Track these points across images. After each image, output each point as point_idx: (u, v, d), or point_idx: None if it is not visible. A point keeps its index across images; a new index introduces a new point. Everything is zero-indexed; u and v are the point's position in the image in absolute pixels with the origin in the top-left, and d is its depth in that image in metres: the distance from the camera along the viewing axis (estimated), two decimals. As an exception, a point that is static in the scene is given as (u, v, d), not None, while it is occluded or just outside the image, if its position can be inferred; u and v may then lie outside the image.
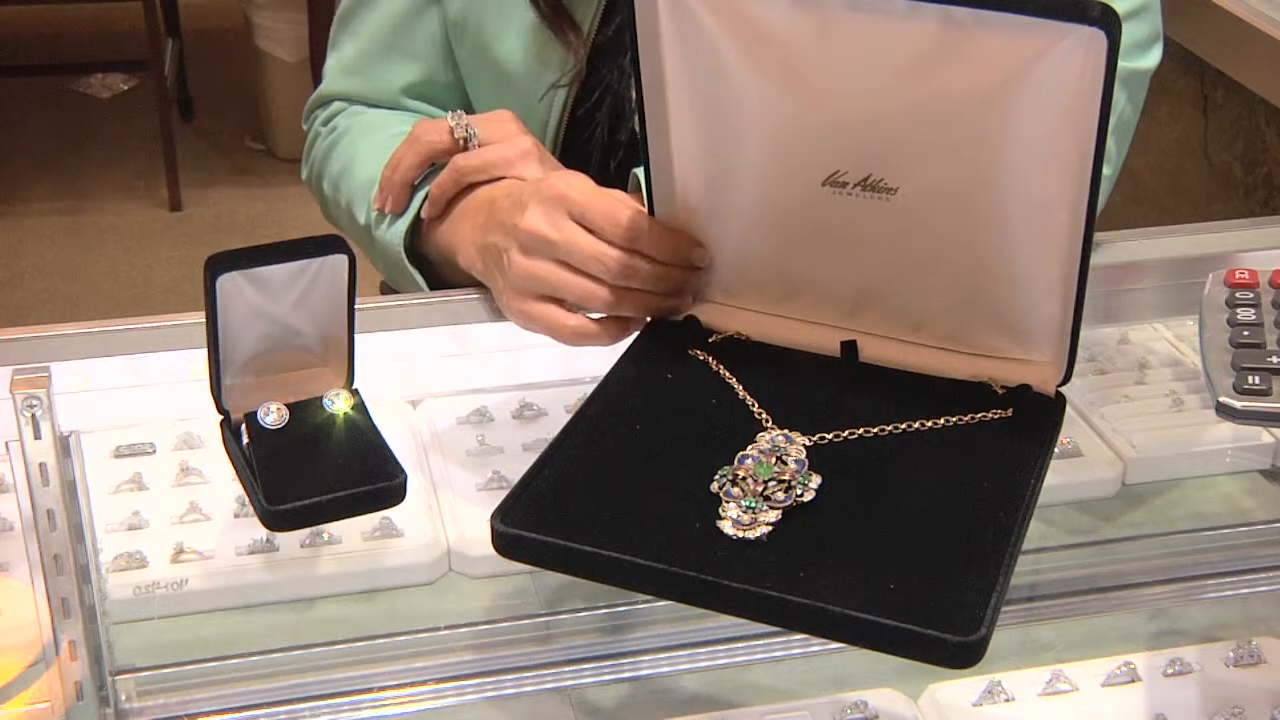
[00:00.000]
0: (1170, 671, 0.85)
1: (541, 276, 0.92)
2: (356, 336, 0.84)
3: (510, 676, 0.86)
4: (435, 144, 1.06)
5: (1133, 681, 0.85)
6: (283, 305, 0.81)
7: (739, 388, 0.85)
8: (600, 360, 0.89)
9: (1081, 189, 0.75)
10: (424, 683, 0.86)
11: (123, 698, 0.83)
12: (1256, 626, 0.91)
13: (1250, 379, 0.78)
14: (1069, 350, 0.82)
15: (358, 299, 0.83)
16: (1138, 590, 0.94)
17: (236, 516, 0.92)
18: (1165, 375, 1.08)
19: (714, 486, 0.76)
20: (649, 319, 0.92)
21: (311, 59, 3.25)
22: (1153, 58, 1.12)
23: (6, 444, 0.79)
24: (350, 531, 0.92)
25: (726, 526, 0.74)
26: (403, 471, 0.81)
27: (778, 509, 0.75)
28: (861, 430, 0.81)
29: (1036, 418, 0.82)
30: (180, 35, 3.70)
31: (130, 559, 0.89)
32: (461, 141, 1.05)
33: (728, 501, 0.75)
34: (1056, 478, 0.81)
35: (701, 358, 0.88)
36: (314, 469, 0.80)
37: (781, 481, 0.76)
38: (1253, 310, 0.84)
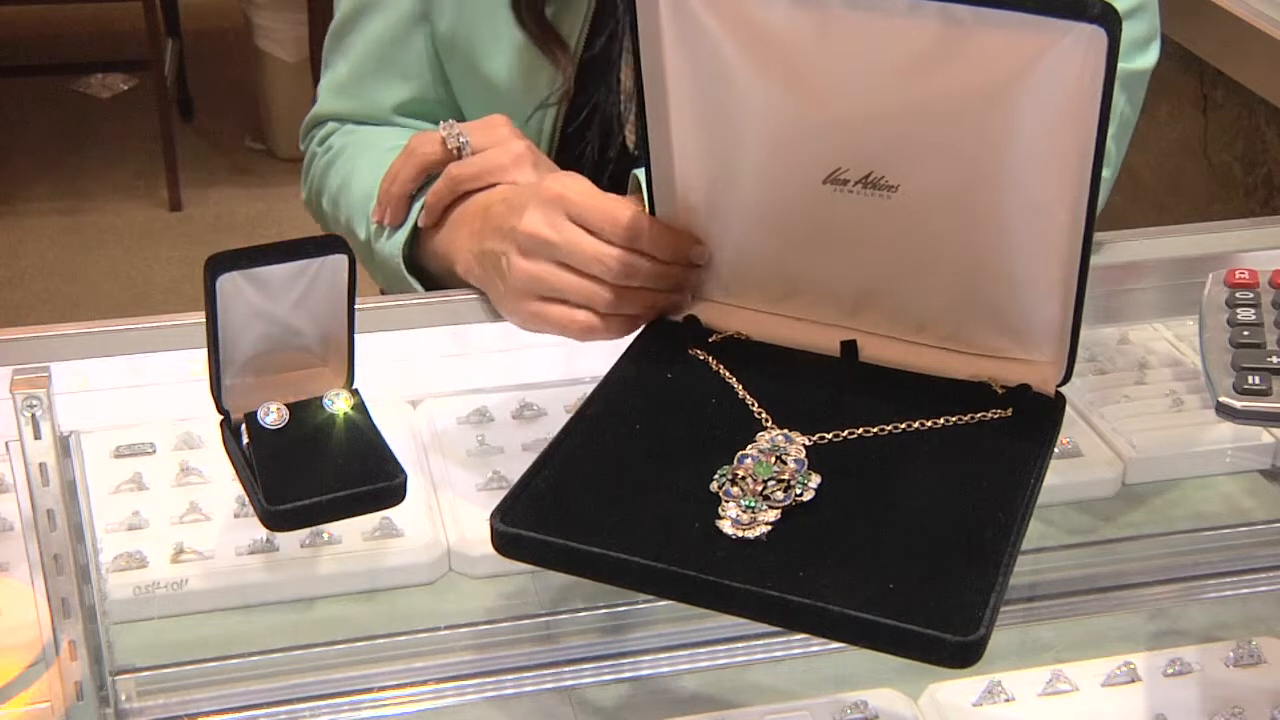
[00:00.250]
0: (1170, 671, 0.85)
1: (542, 278, 0.92)
2: (356, 336, 0.84)
3: (510, 676, 0.86)
4: (430, 155, 1.06)
5: (1133, 681, 0.85)
6: (283, 305, 0.81)
7: (739, 387, 0.85)
8: (600, 360, 0.89)
9: (1081, 188, 0.75)
10: (424, 683, 0.86)
11: (123, 698, 0.83)
12: (1256, 626, 0.91)
13: (1250, 379, 0.78)
14: (1069, 350, 0.82)
15: (358, 299, 0.83)
16: (1138, 590, 0.94)
17: (236, 516, 0.93)
18: (1165, 375, 1.08)
19: (714, 486, 0.76)
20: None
21: (311, 59, 3.25)
22: (1150, 57, 1.12)
23: (6, 444, 0.79)
24: (350, 531, 0.92)
25: (726, 526, 0.74)
26: (403, 471, 0.81)
27: (777, 508, 0.75)
28: (861, 430, 0.81)
29: (1036, 418, 0.82)
30: (180, 35, 3.70)
31: (130, 559, 0.89)
32: (455, 151, 1.05)
33: (727, 501, 0.75)
34: (1056, 478, 0.81)
35: (701, 357, 0.88)
36: (314, 469, 0.80)
37: (781, 481, 0.76)
38: (1253, 310, 0.84)
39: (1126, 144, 1.14)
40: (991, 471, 0.78)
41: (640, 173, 1.05)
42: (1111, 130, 0.75)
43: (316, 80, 1.26)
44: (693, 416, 0.83)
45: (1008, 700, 0.83)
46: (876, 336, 0.87)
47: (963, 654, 0.68)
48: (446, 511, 0.94)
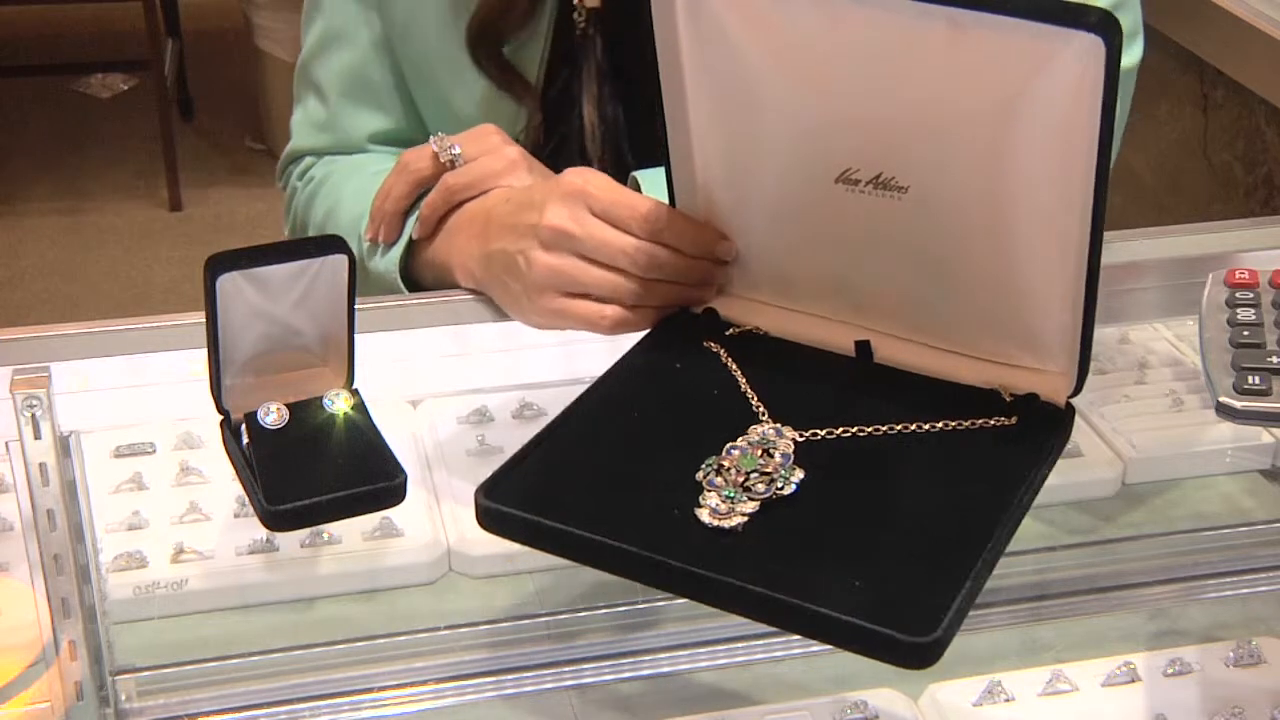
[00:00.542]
0: (1170, 671, 0.85)
1: (566, 272, 0.91)
2: (356, 336, 0.84)
3: (510, 676, 0.86)
4: (423, 170, 1.06)
5: (1133, 681, 0.85)
6: (283, 305, 0.81)
7: (743, 381, 0.85)
8: (600, 360, 0.89)
9: (1086, 197, 0.75)
10: (424, 683, 0.86)
11: (123, 698, 0.83)
12: (1256, 626, 0.91)
13: (1250, 379, 0.78)
14: (1080, 361, 0.81)
15: (358, 299, 0.83)
16: (1138, 590, 0.94)
17: (236, 516, 0.93)
18: (1165, 375, 1.08)
19: (699, 475, 0.77)
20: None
21: (312, 59, 3.25)
22: (1135, 53, 1.12)
23: (6, 444, 0.78)
24: (350, 531, 0.92)
25: (704, 515, 0.74)
26: (403, 471, 0.81)
27: (756, 500, 0.75)
28: (856, 429, 0.81)
29: (1041, 428, 0.81)
30: (180, 35, 3.70)
31: (130, 559, 0.89)
32: (448, 163, 1.05)
33: (709, 490, 0.76)
34: (1056, 478, 0.80)
35: (713, 350, 0.88)
36: (314, 469, 0.80)
37: (765, 474, 0.76)
38: (1253, 310, 0.84)
39: (1119, 142, 1.14)
40: (981, 478, 0.78)
41: (639, 175, 1.05)
42: None
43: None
44: (691, 407, 0.84)
45: (1008, 700, 0.83)
46: (890, 338, 0.87)
47: (919, 655, 0.68)
48: (446, 511, 0.94)
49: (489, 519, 0.77)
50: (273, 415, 0.82)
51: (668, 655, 0.88)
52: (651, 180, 1.04)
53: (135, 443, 0.98)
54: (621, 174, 1.02)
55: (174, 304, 2.98)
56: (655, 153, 0.94)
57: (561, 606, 0.89)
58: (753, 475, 0.76)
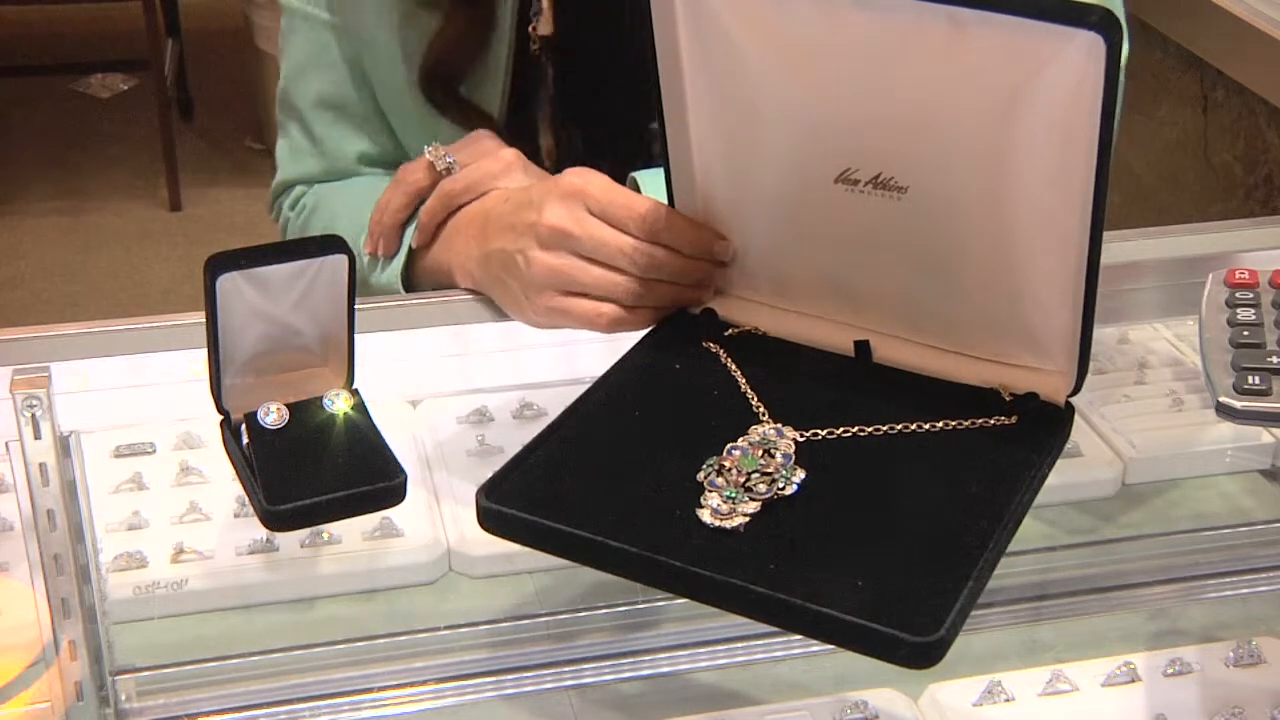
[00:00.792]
0: (1170, 671, 0.85)
1: (564, 271, 0.91)
2: (356, 336, 0.84)
3: (510, 676, 0.86)
4: (419, 182, 1.05)
5: (1133, 681, 0.85)
6: (283, 305, 0.81)
7: (743, 381, 0.85)
8: (600, 360, 0.89)
9: (1086, 197, 0.75)
10: (424, 683, 0.86)
11: (123, 698, 0.83)
12: (1256, 626, 0.91)
13: (1250, 379, 0.78)
14: (1080, 361, 0.81)
15: (358, 299, 0.83)
16: (1138, 590, 0.94)
17: (236, 516, 0.93)
18: (1165, 375, 1.08)
19: (700, 476, 0.77)
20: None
21: (312, 59, 3.25)
22: (1124, 48, 1.12)
23: (6, 444, 0.78)
24: (350, 531, 0.92)
25: (705, 515, 0.74)
26: (403, 471, 0.81)
27: (758, 501, 0.75)
28: (856, 429, 0.81)
29: (1041, 427, 0.81)
30: (180, 35, 3.70)
31: (130, 559, 0.89)
32: (444, 172, 1.05)
33: (710, 491, 0.76)
34: (1056, 478, 0.80)
35: (713, 350, 0.88)
36: (314, 469, 0.80)
37: (766, 474, 0.76)
38: (1253, 310, 0.84)
39: (1115, 139, 1.14)
40: (982, 477, 0.78)
41: (639, 175, 1.05)
42: None
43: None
44: (692, 407, 0.84)
45: (1008, 700, 0.83)
46: (890, 338, 0.87)
47: (922, 654, 0.68)
48: (446, 511, 0.94)
49: (490, 519, 0.77)
50: (273, 415, 0.82)
51: (668, 655, 0.88)
52: (650, 180, 1.04)
53: (135, 443, 0.98)
54: None
55: (174, 304, 2.98)
56: (620, 177, 0.95)
57: (561, 606, 0.89)
58: (754, 475, 0.76)
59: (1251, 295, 0.85)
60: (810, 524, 0.74)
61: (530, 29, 1.14)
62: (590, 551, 0.74)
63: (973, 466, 0.79)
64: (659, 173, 0.92)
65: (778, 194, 0.86)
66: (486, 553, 0.91)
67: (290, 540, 0.91)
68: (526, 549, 0.77)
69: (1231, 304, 0.84)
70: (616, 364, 0.88)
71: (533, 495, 0.77)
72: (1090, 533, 0.97)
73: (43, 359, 0.83)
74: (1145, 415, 1.04)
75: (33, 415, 0.75)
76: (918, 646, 0.67)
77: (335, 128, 1.19)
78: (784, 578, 0.71)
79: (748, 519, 0.74)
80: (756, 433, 0.80)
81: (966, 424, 0.82)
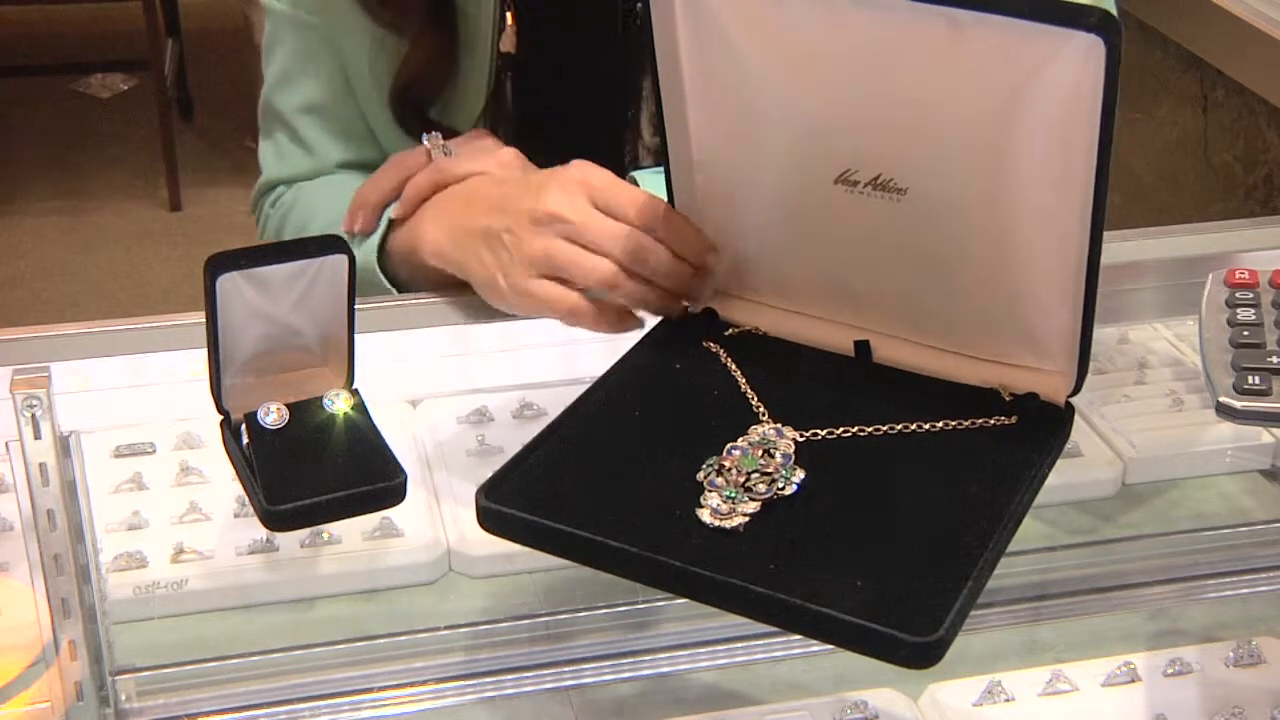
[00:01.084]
0: (1170, 671, 0.85)
1: (553, 253, 0.92)
2: (356, 336, 0.84)
3: (510, 676, 0.86)
4: (415, 167, 1.05)
5: (1133, 681, 0.85)
6: (283, 305, 0.81)
7: (743, 381, 0.85)
8: (600, 360, 0.89)
9: (1086, 198, 0.75)
10: (424, 683, 0.86)
11: (123, 698, 0.83)
12: (1256, 626, 0.91)
13: (1250, 379, 0.78)
14: (1080, 361, 0.81)
15: (358, 299, 0.83)
16: (1138, 590, 0.94)
17: (236, 516, 0.93)
18: (1165, 375, 1.08)
19: (699, 475, 0.77)
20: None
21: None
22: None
23: (6, 444, 0.78)
24: (350, 531, 0.92)
25: (705, 515, 0.74)
26: (403, 471, 0.81)
27: (758, 501, 0.75)
28: (856, 429, 0.81)
29: (1041, 427, 0.81)
30: (180, 35, 3.70)
31: (130, 559, 0.89)
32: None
33: (710, 491, 0.76)
34: (1056, 478, 0.81)
35: (713, 350, 0.88)
36: (314, 469, 0.80)
37: (765, 474, 0.76)
38: (1253, 310, 0.84)
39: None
40: (982, 477, 0.78)
41: (638, 174, 1.05)
42: None
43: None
44: (692, 407, 0.84)
45: (1008, 700, 0.83)
46: (890, 338, 0.87)
47: (922, 654, 0.68)
48: (446, 511, 0.94)
49: (490, 519, 0.77)
50: (273, 415, 0.82)
51: (668, 655, 0.88)
52: (650, 181, 1.04)
53: (135, 443, 0.98)
54: None
55: (174, 304, 2.98)
56: None
57: (561, 606, 0.89)
58: (754, 475, 0.76)
59: (1251, 295, 0.85)
60: (810, 524, 0.74)
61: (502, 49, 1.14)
62: (590, 551, 0.74)
63: (973, 466, 0.79)
64: (658, 172, 0.92)
65: (777, 195, 0.86)
66: (486, 553, 0.91)
67: (290, 540, 0.91)
68: (526, 549, 0.77)
69: (1231, 304, 0.84)
70: (616, 364, 0.88)
71: (533, 495, 0.77)
72: (1090, 533, 0.97)
73: (43, 359, 0.83)
74: (1145, 415, 1.04)
75: (33, 415, 0.75)
76: (917, 646, 0.67)
77: (320, 132, 1.19)
78: (784, 578, 0.71)
79: (747, 519, 0.74)
80: (756, 433, 0.80)
81: (966, 424, 0.82)
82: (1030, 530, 0.76)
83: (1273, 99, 1.56)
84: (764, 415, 0.82)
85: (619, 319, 0.92)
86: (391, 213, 1.06)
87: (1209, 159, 1.72)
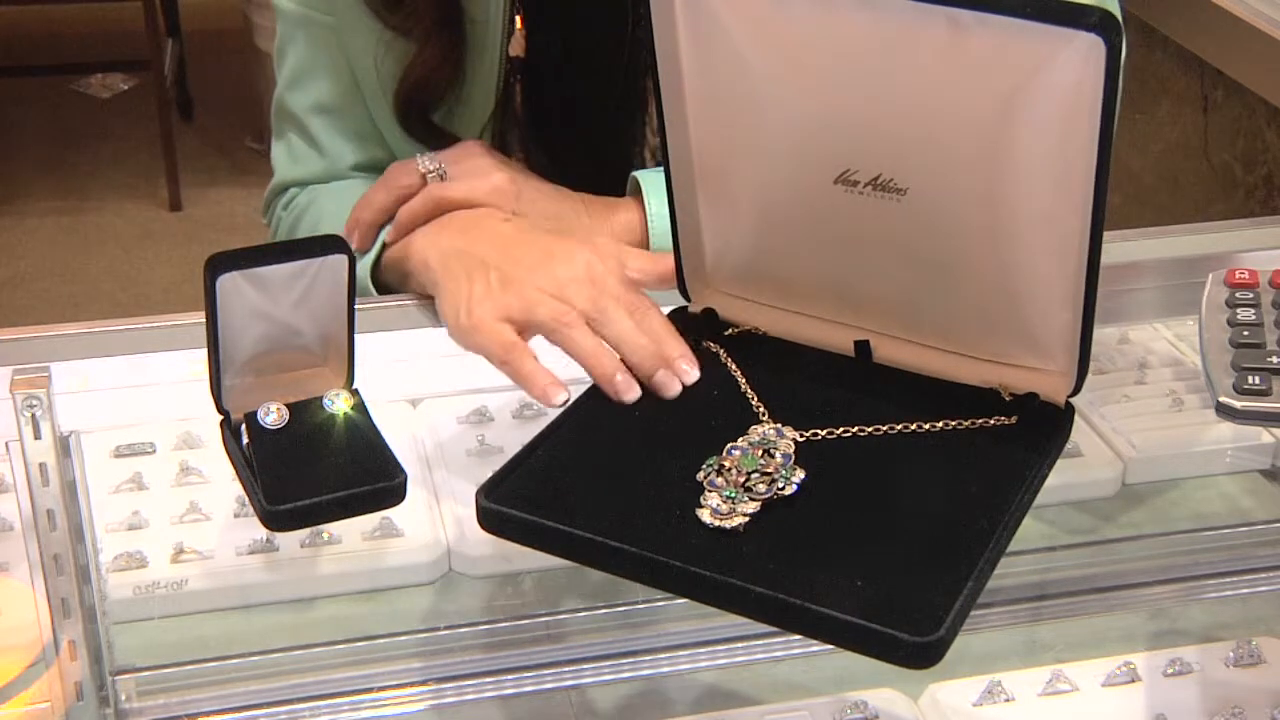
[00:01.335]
0: (1170, 671, 0.85)
1: (523, 301, 0.90)
2: (356, 336, 0.84)
3: (510, 676, 0.86)
4: (409, 188, 1.05)
5: (1133, 681, 0.85)
6: (283, 305, 0.81)
7: (743, 381, 0.85)
8: (600, 360, 0.89)
9: (1087, 198, 0.75)
10: (424, 683, 0.86)
11: (123, 698, 0.83)
12: (1256, 626, 0.91)
13: (1250, 379, 0.78)
14: (1080, 361, 0.81)
15: (358, 299, 0.83)
16: (1138, 590, 0.94)
17: (236, 516, 0.93)
18: (1165, 375, 1.08)
19: (699, 476, 0.77)
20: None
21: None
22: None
23: (6, 444, 0.79)
24: (350, 531, 0.92)
25: (705, 515, 0.74)
26: (403, 471, 0.81)
27: (757, 501, 0.75)
28: (856, 429, 0.81)
29: (1041, 427, 0.81)
30: (180, 35, 3.70)
31: (130, 559, 0.89)
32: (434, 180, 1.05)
33: (710, 491, 0.76)
34: (1056, 478, 0.81)
35: (713, 350, 0.88)
36: (314, 469, 0.80)
37: (765, 474, 0.76)
38: (1253, 310, 0.84)
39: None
40: (982, 477, 0.78)
41: (640, 174, 1.05)
42: None
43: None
44: (692, 407, 0.84)
45: (1008, 700, 0.83)
46: (889, 338, 0.87)
47: (922, 655, 0.68)
48: (446, 511, 0.94)
49: (490, 520, 0.77)
50: (273, 415, 0.82)
51: (667, 655, 0.88)
52: (651, 181, 1.04)
53: (135, 443, 0.98)
54: None
55: (174, 304, 2.98)
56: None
57: (561, 606, 0.89)
58: (754, 475, 0.76)
59: (1251, 295, 0.85)
60: (810, 524, 0.75)
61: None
62: (590, 551, 0.74)
63: (973, 466, 0.79)
64: (658, 172, 0.92)
65: (777, 195, 0.86)
66: (486, 553, 0.91)
67: (290, 540, 0.91)
68: (526, 549, 0.77)
69: (1231, 304, 0.84)
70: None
71: (533, 495, 0.77)
72: (1090, 533, 0.98)
73: (43, 359, 0.83)
74: (1145, 415, 1.04)
75: (33, 415, 0.75)
76: (917, 646, 0.67)
77: (333, 133, 1.19)
78: (784, 578, 0.71)
79: (747, 519, 0.74)
80: (756, 433, 0.80)
81: (966, 424, 0.82)
82: (1030, 530, 0.76)
83: (1273, 99, 1.56)
84: (764, 415, 0.82)
85: (538, 377, 0.88)
86: (386, 236, 1.06)
87: (1209, 159, 1.72)
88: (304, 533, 0.91)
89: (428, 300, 1.03)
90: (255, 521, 0.81)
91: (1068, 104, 0.73)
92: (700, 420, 0.82)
